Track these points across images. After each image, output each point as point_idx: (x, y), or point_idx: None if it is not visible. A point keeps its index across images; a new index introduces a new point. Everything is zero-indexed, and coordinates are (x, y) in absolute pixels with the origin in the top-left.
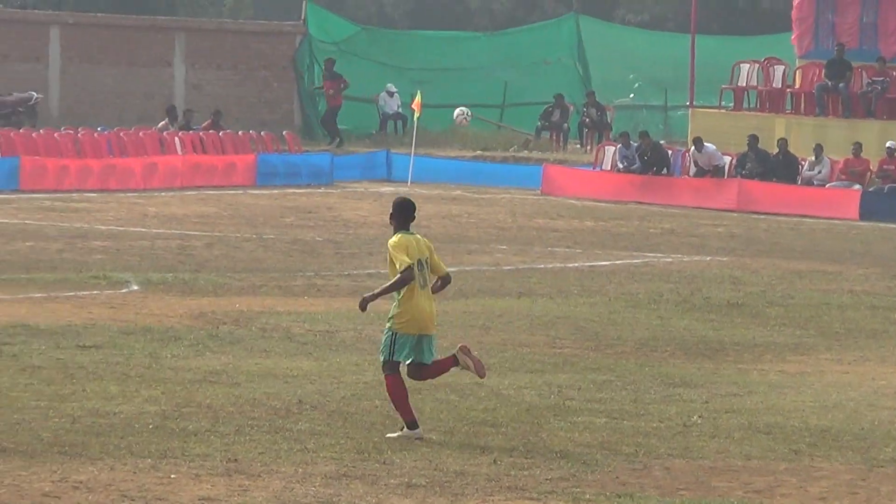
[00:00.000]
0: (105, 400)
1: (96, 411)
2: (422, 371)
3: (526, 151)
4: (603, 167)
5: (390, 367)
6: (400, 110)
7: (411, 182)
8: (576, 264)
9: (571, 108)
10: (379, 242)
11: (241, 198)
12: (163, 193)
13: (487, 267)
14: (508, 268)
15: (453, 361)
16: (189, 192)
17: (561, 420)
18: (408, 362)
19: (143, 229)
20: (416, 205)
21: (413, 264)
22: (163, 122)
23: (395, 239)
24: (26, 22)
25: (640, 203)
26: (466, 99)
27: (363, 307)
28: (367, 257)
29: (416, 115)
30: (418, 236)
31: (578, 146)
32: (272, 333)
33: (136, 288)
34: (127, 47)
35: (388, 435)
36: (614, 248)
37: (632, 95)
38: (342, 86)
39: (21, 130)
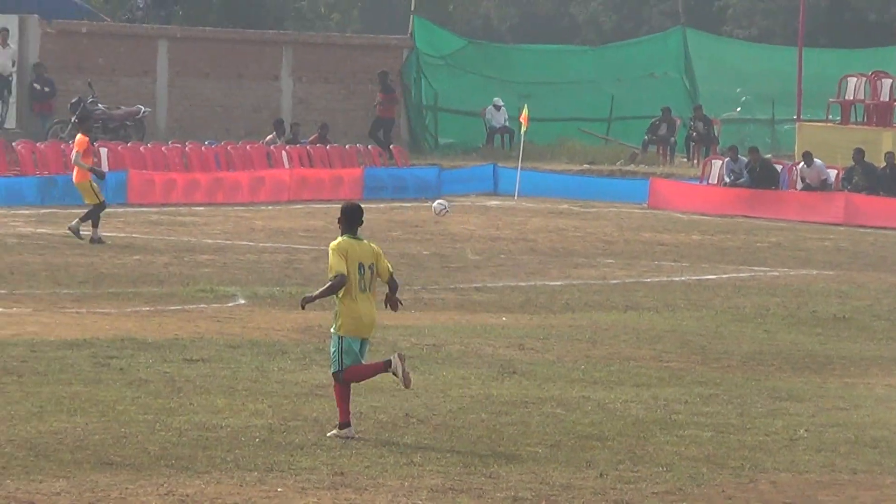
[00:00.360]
0: (212, 413)
1: (203, 425)
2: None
3: (633, 165)
4: (710, 181)
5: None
6: (507, 124)
7: (518, 196)
8: (682, 278)
9: (678, 121)
10: (486, 256)
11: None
12: (270, 207)
13: (594, 281)
14: (615, 281)
15: (384, 367)
16: (296, 206)
17: (667, 434)
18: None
19: (251, 243)
20: (363, 210)
21: (345, 272)
22: (270, 136)
23: (335, 243)
24: (135, 36)
25: (747, 217)
26: (573, 112)
27: (303, 306)
28: (473, 271)
29: (523, 128)
30: (364, 241)
31: (685, 160)
32: (379, 347)
33: (242, 301)
34: (235, 61)
35: (328, 433)
36: (721, 262)
37: (738, 109)
38: (394, 99)
39: (129, 144)
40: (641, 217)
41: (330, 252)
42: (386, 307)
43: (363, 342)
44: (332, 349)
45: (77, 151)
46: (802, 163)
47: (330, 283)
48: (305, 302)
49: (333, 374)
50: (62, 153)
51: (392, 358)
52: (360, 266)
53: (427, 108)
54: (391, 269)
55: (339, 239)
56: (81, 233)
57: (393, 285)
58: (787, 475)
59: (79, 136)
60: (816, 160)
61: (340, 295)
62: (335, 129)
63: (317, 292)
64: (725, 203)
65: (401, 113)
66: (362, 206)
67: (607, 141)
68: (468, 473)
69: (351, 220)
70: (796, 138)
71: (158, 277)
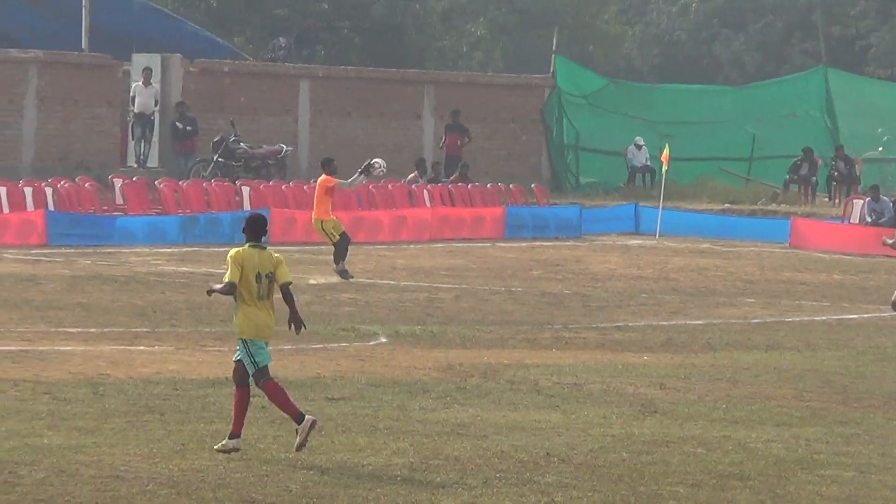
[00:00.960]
0: (353, 452)
1: (344, 463)
2: (267, 381)
3: (774, 205)
4: (851, 220)
5: (262, 373)
6: (648, 163)
7: (659, 235)
8: (823, 317)
9: (820, 161)
10: (628, 295)
11: (489, 250)
12: (411, 246)
13: (735, 320)
14: (756, 321)
15: (297, 417)
16: (437, 245)
17: (808, 473)
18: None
19: (392, 282)
20: (267, 220)
21: (237, 281)
22: (412, 175)
23: (233, 251)
24: (277, 75)
25: (889, 256)
26: (714, 152)
27: (209, 294)
28: (615, 310)
29: (665, 168)
30: (266, 250)
31: (826, 199)
32: (520, 386)
33: (384, 340)
34: (376, 100)
35: (215, 447)
36: (862, 302)
37: (880, 149)
38: (466, 139)
39: (271, 183)
40: (782, 256)
41: (228, 260)
42: (290, 328)
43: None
44: (240, 355)
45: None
46: None
47: (224, 286)
48: (210, 291)
49: (253, 375)
50: (204, 192)
51: (308, 417)
52: (259, 275)
53: (569, 147)
54: (290, 280)
55: (240, 248)
56: (342, 270)
57: (286, 293)
58: None
59: (323, 175)
60: None
61: (238, 302)
62: (477, 169)
63: (217, 287)
64: (867, 243)
65: (542, 152)
66: (502, 245)
67: (748, 180)
68: None
69: (254, 229)
70: None
71: (301, 316)
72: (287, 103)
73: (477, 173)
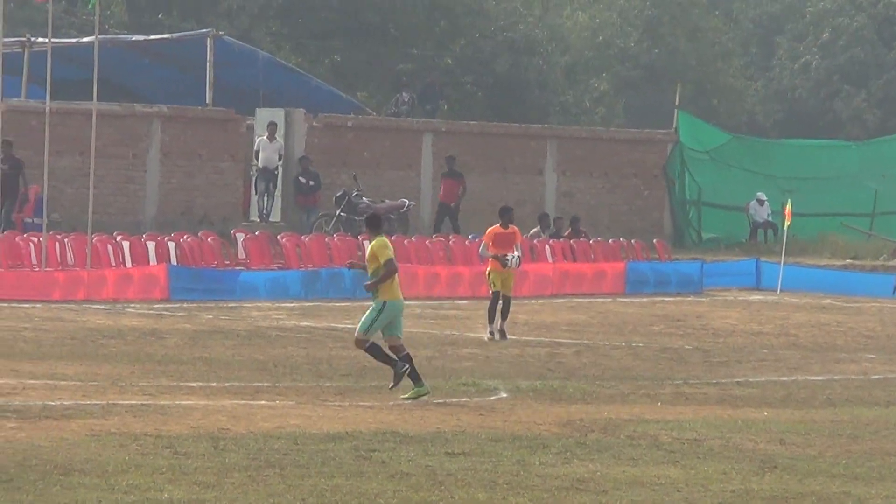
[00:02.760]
0: None
1: None
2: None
3: (895, 261)
4: None
5: (362, 342)
6: (770, 219)
7: (780, 290)
8: None
9: None
10: (748, 351)
11: (610, 305)
12: (533, 301)
13: (856, 376)
14: (876, 377)
15: (393, 363)
16: (558, 300)
17: None
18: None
19: (513, 337)
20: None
21: (392, 257)
22: (535, 230)
23: (381, 239)
24: (400, 130)
25: None
26: (836, 207)
27: (368, 290)
28: (736, 365)
29: (787, 223)
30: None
31: None
32: (640, 441)
33: (504, 395)
34: (499, 155)
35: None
36: None
37: None
38: (462, 188)
39: (393, 237)
40: None
41: (379, 247)
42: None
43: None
44: (370, 315)
45: (484, 242)
46: None
47: (386, 270)
48: (369, 288)
49: (358, 337)
50: (326, 246)
51: (399, 362)
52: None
53: (690, 202)
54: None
55: (378, 238)
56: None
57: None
58: None
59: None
60: None
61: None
62: (599, 224)
63: (377, 279)
64: None
65: (664, 207)
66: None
67: (870, 236)
68: None
69: (375, 224)
70: None
71: (421, 371)
72: (410, 158)
73: (599, 228)
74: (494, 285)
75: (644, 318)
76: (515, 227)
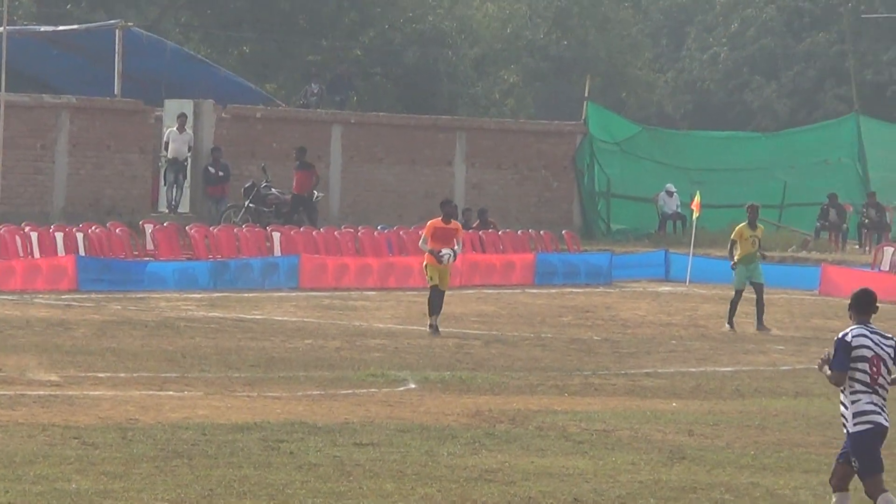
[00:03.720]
0: (381, 497)
1: None
2: None
3: (804, 252)
4: (882, 268)
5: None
6: (679, 210)
7: (689, 282)
8: None
9: (850, 208)
10: (657, 342)
11: (519, 297)
12: None
13: (764, 367)
14: (785, 368)
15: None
16: (467, 291)
17: None
18: None
19: (422, 328)
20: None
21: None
22: None
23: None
24: (309, 121)
25: None
26: (744, 198)
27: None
28: (644, 356)
29: (696, 214)
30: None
31: (857, 247)
32: (548, 432)
33: (413, 386)
34: (408, 146)
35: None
36: None
37: None
38: (315, 178)
39: (302, 229)
40: (812, 304)
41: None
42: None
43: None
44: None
45: (424, 235)
46: None
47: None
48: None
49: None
50: (235, 237)
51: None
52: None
53: (600, 193)
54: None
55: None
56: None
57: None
58: None
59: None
60: None
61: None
62: (508, 215)
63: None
64: None
65: (573, 199)
66: (533, 291)
67: (779, 227)
68: None
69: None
70: None
71: (329, 361)
72: (318, 149)
73: (508, 219)
74: (432, 280)
75: (553, 310)
76: (457, 223)
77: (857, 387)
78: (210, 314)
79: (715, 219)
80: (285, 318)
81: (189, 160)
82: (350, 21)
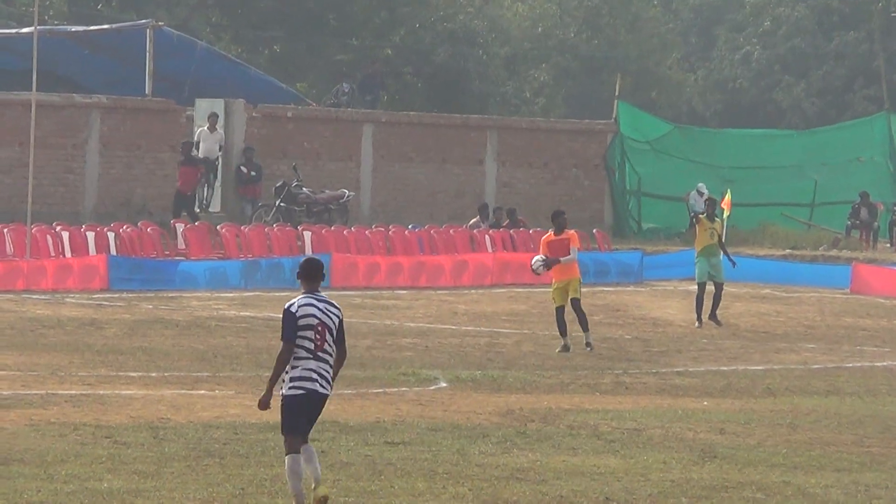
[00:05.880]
0: (412, 496)
1: None
2: None
3: (835, 250)
4: None
5: None
6: None
7: None
8: (884, 363)
9: (881, 206)
10: (688, 341)
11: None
12: (472, 291)
13: (795, 366)
14: (816, 366)
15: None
16: (499, 290)
17: None
18: None
19: (453, 326)
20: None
21: None
22: (474, 220)
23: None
24: (340, 121)
25: None
26: (776, 197)
27: None
28: (675, 355)
29: (726, 213)
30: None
31: (888, 245)
32: (579, 431)
33: (444, 385)
34: (439, 145)
35: None
36: None
37: None
38: (199, 175)
39: (333, 228)
40: (843, 302)
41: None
42: None
43: None
44: None
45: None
46: None
47: None
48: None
49: None
50: (266, 237)
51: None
52: None
53: (630, 192)
54: None
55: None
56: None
57: None
58: None
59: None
60: None
61: None
62: (539, 214)
63: None
64: None
65: (604, 197)
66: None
67: (810, 226)
68: None
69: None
70: None
71: (361, 360)
72: (350, 148)
73: (539, 218)
74: (555, 301)
75: (585, 308)
76: (572, 232)
77: (302, 353)
78: (241, 313)
79: (746, 217)
80: None
81: (220, 160)
82: (380, 20)
